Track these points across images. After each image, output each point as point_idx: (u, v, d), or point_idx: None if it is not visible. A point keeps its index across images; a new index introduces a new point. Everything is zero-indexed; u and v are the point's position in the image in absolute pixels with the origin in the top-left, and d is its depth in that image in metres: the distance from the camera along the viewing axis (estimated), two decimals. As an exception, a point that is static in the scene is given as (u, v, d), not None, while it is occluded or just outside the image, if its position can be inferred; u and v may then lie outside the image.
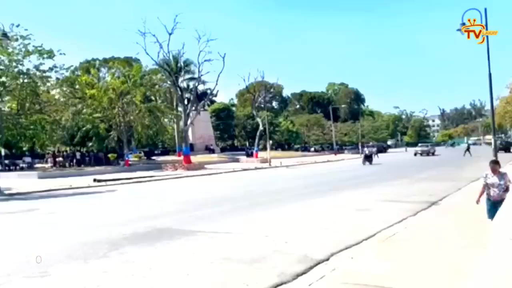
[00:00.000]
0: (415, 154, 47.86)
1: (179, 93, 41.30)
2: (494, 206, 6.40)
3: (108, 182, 23.14)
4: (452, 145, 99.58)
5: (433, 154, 49.30)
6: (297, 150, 71.36)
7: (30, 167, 36.81)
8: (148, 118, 39.14)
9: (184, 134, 39.75)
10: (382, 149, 68.97)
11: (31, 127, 30.92)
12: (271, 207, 11.78)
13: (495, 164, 6.94)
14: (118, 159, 40.37)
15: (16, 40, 26.88)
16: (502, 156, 22.65)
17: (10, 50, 27.17)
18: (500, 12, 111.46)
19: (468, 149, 49.20)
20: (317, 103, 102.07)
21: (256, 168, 33.97)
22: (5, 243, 8.25)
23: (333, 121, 76.39)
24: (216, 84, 41.16)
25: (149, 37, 52.04)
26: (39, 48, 28.53)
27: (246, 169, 33.17)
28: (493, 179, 6.78)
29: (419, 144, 61.24)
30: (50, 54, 29.13)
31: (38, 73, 29.73)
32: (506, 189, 6.76)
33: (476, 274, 5.05)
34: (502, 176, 6.81)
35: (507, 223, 8.04)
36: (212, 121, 63.32)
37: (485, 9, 15.26)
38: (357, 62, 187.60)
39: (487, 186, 6.90)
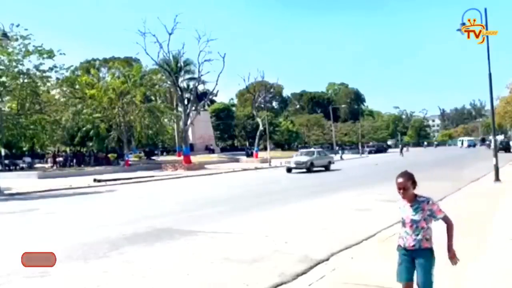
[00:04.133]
0: (289, 170, 27.00)
1: (179, 93, 41.30)
2: (408, 261, 3.47)
3: (108, 182, 23.15)
4: (437, 145, 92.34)
5: (326, 167, 28.28)
6: (297, 150, 71.30)
7: (30, 167, 36.82)
8: (148, 118, 39.15)
9: (184, 134, 39.75)
10: (382, 149, 69.03)
11: (31, 127, 30.94)
12: (271, 207, 11.77)
13: (403, 180, 3.43)
14: (118, 159, 40.41)
15: (16, 40, 26.91)
16: (502, 156, 22.59)
17: (10, 50, 27.19)
18: (500, 12, 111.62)
19: (401, 149, 49.35)
20: (317, 103, 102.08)
21: (256, 168, 33.96)
22: (5, 243, 8.25)
23: (333, 121, 76.38)
24: (216, 84, 41.22)
25: (149, 37, 52.18)
26: (39, 48, 28.55)
27: (246, 169, 33.16)
28: (405, 211, 3.50)
29: (300, 150, 39.87)
30: (50, 54, 29.15)
31: (38, 73, 29.76)
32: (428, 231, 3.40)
33: (476, 274, 5.05)
34: (419, 205, 3.40)
35: (507, 223, 8.06)
36: (212, 121, 63.30)
37: (485, 9, 15.30)
38: (357, 62, 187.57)
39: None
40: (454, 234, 3.42)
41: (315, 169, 27.26)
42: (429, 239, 3.38)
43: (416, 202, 3.44)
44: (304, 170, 26.58)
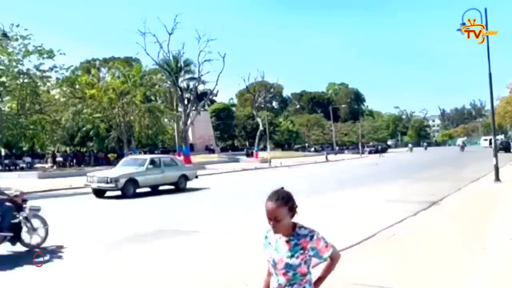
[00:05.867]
0: (98, 193, 16.21)
1: (179, 93, 41.33)
2: None
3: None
4: (428, 145, 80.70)
5: (177, 186, 17.44)
6: (297, 150, 71.40)
7: (30, 167, 36.84)
8: (148, 118, 39.18)
9: (184, 134, 39.78)
10: (382, 149, 69.01)
11: (31, 127, 30.97)
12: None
13: (275, 205, 2.27)
14: (118, 159, 40.43)
15: (16, 40, 26.93)
16: (502, 156, 22.59)
17: (10, 50, 27.21)
18: (500, 12, 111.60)
19: (411, 148, 48.12)
20: (317, 103, 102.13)
21: (256, 168, 33.96)
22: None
23: (333, 121, 76.42)
24: (216, 84, 41.31)
25: (149, 37, 52.39)
26: (39, 48, 28.57)
27: (246, 169, 33.16)
28: (277, 249, 2.33)
29: (128, 156, 26.81)
30: (50, 54, 29.17)
31: (38, 73, 29.78)
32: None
33: (476, 274, 5.05)
34: (298, 242, 2.28)
35: (507, 223, 8.06)
36: (212, 121, 63.34)
37: (485, 9, 15.30)
38: (357, 62, 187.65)
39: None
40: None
41: (144, 190, 16.47)
42: None
43: (294, 237, 2.28)
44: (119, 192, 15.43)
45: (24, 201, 7.25)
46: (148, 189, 16.67)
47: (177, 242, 7.56)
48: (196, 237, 7.94)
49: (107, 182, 15.29)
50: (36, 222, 7.23)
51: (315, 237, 2.28)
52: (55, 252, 7.01)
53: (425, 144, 79.98)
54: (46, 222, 7.36)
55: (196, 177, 18.82)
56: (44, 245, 7.26)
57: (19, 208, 7.04)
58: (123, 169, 16.56)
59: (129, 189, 15.47)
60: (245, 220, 9.49)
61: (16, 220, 6.86)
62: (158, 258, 6.51)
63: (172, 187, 17.33)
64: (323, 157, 46.66)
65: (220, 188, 18.79)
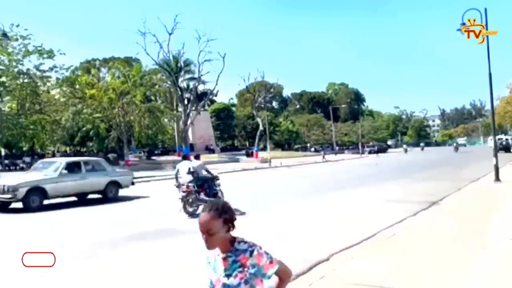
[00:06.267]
0: None
1: (179, 93, 41.37)
2: None
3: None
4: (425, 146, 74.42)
5: (105, 195, 14.56)
6: (297, 150, 71.41)
7: (30, 167, 36.79)
8: (148, 118, 39.20)
9: (184, 134, 39.82)
10: (382, 149, 69.07)
11: (31, 127, 31.03)
12: (269, 207, 11.78)
13: (208, 217, 1.98)
14: (118, 159, 40.43)
15: (16, 40, 27.00)
16: (502, 156, 22.60)
17: (10, 50, 27.25)
18: (500, 12, 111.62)
19: (423, 147, 45.15)
20: (317, 103, 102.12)
21: (256, 168, 33.97)
22: (3, 243, 8.24)
23: (333, 121, 76.41)
24: (216, 84, 41.36)
25: (149, 37, 52.51)
26: (39, 48, 28.64)
27: (246, 169, 33.16)
28: (215, 268, 2.09)
29: (40, 161, 18.05)
30: (50, 54, 29.24)
31: (38, 73, 29.85)
32: None
33: (476, 274, 5.05)
34: (237, 259, 2.02)
35: (507, 223, 8.06)
36: (212, 121, 63.34)
37: (485, 9, 15.30)
38: (357, 62, 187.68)
39: None
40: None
41: (74, 198, 14.08)
42: None
43: (233, 253, 2.02)
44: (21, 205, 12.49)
45: (217, 178, 11.44)
46: (72, 199, 13.96)
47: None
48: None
49: (3, 192, 12.15)
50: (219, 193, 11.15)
51: (255, 252, 2.01)
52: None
53: (422, 144, 75.73)
54: (223, 194, 11.13)
55: (133, 183, 15.97)
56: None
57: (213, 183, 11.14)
58: (29, 175, 13.73)
59: (32, 200, 12.33)
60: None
61: (215, 191, 11.00)
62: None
63: (99, 196, 14.47)
64: (321, 157, 46.53)
65: (164, 196, 14.63)
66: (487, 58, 15.91)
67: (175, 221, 9.62)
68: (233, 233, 2.06)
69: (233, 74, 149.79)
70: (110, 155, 41.50)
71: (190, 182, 10.60)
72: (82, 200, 14.13)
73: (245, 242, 2.05)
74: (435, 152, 57.76)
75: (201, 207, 9.54)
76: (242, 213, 9.47)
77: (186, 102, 42.68)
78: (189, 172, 10.83)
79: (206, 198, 10.32)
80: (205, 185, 10.84)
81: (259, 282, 2.04)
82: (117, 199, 14.56)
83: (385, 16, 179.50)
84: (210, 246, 2.00)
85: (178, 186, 10.98)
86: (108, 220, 10.82)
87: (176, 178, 11.26)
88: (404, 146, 69.15)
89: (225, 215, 2.02)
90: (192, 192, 10.43)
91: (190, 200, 10.39)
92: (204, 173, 11.08)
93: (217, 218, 1.98)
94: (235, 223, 2.07)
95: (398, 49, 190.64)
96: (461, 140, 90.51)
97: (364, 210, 10.76)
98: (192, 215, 10.05)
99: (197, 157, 12.19)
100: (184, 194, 10.43)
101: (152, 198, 15.13)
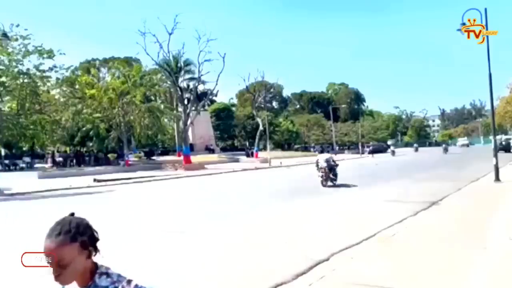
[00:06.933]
0: None
1: (179, 93, 41.29)
2: None
3: (108, 182, 23.14)
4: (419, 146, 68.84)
5: None
6: (297, 150, 71.39)
7: (30, 167, 36.83)
8: (148, 118, 39.17)
9: (184, 134, 39.76)
10: (382, 149, 68.94)
11: (31, 127, 31.04)
12: (269, 207, 11.78)
13: (54, 243, 1.46)
14: (118, 159, 40.43)
15: (16, 40, 27.01)
16: (502, 156, 22.57)
17: (10, 50, 27.26)
18: (500, 12, 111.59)
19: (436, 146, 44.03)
20: (317, 103, 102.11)
21: (256, 168, 33.97)
22: (3, 243, 8.25)
23: (333, 121, 76.38)
24: (216, 84, 41.20)
25: (149, 37, 52.44)
26: (39, 48, 28.66)
27: (246, 169, 33.16)
28: None
29: None
30: (50, 54, 29.26)
31: (38, 73, 29.87)
32: None
33: (476, 274, 5.05)
34: None
35: (507, 223, 8.06)
36: (212, 121, 63.31)
37: (485, 9, 15.29)
38: (357, 62, 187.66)
39: None
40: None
41: None
42: None
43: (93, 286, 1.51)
44: None
45: (337, 165, 16.87)
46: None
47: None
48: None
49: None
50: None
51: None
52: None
53: (415, 145, 69.16)
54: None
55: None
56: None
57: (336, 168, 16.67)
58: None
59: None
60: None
61: (336, 172, 16.58)
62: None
63: None
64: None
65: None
66: (487, 58, 15.91)
67: (319, 188, 15.83)
68: (99, 258, 1.54)
69: (233, 74, 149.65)
70: (110, 155, 41.50)
71: (326, 167, 16.31)
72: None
73: (108, 275, 1.52)
74: (428, 153, 55.95)
75: (330, 183, 16.21)
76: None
77: (186, 102, 42.59)
78: (326, 161, 16.52)
79: (333, 177, 16.37)
80: (332, 169, 16.48)
81: None
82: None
83: (385, 16, 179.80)
84: (63, 281, 1.47)
85: (318, 169, 16.70)
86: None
87: (317, 164, 16.92)
88: (392, 148, 60.87)
89: (82, 237, 1.50)
90: (327, 172, 16.32)
91: (325, 177, 16.39)
92: (332, 162, 16.62)
93: (70, 243, 1.46)
94: (99, 244, 1.54)
95: (398, 49, 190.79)
96: (462, 140, 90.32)
97: (364, 210, 10.75)
98: (325, 186, 16.17)
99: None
100: (322, 173, 16.43)
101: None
